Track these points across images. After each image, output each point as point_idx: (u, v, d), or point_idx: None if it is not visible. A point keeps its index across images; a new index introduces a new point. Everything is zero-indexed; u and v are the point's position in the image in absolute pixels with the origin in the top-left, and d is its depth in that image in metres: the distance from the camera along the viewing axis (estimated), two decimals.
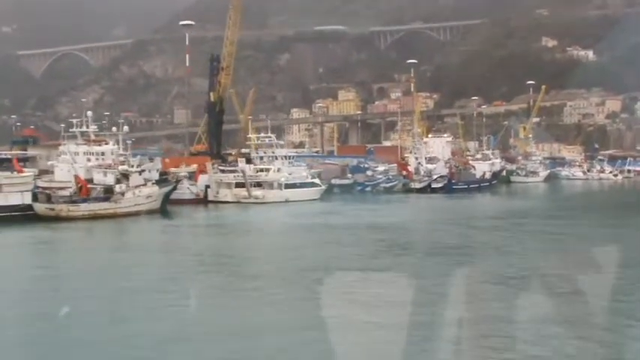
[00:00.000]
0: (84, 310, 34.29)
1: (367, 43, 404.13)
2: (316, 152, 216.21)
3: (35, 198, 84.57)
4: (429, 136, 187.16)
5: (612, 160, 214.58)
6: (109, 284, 42.09)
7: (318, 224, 77.56)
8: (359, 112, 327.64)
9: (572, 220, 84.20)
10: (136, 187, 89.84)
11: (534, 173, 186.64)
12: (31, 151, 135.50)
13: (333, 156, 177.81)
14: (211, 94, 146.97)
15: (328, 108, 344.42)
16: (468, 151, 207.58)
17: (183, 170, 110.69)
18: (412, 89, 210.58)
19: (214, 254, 56.76)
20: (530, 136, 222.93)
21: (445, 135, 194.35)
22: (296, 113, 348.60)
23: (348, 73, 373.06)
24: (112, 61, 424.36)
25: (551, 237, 65.70)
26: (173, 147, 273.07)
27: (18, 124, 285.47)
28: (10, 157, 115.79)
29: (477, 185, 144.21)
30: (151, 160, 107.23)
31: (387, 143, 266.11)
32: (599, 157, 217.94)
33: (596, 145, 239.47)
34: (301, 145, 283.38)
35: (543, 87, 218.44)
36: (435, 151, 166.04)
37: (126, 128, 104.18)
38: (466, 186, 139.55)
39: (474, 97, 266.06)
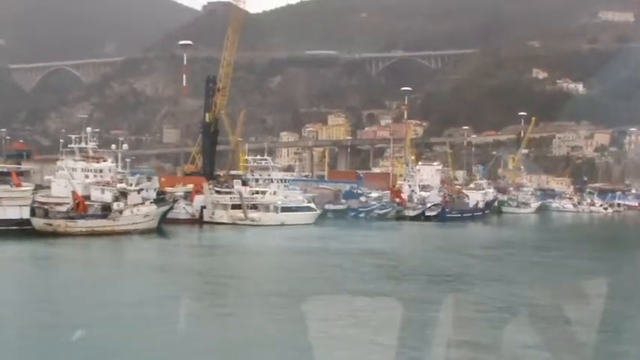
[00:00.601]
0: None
1: (358, 69, 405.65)
2: (306, 176, 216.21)
3: (33, 213, 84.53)
4: (419, 163, 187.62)
5: (602, 193, 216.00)
6: (108, 301, 42.21)
7: (316, 248, 77.91)
8: (348, 137, 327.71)
9: (564, 251, 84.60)
10: (134, 205, 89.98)
11: (526, 204, 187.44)
12: (24, 165, 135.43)
13: (326, 181, 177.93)
14: (207, 114, 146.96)
15: (318, 132, 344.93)
16: (456, 180, 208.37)
17: (179, 190, 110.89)
18: (405, 116, 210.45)
19: (216, 275, 57.02)
20: (522, 167, 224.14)
21: (435, 163, 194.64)
22: (285, 136, 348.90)
23: (338, 97, 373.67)
24: (102, 78, 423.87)
25: (544, 268, 66.27)
26: (162, 166, 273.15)
27: (7, 137, 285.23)
28: (5, 170, 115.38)
29: (470, 214, 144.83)
30: (149, 179, 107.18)
31: (376, 170, 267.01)
32: (589, 190, 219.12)
33: (585, 178, 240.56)
34: (290, 168, 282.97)
35: (533, 119, 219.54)
36: (425, 179, 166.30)
37: (125, 146, 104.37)
38: (460, 215, 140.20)
39: (464, 127, 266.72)
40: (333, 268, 61.26)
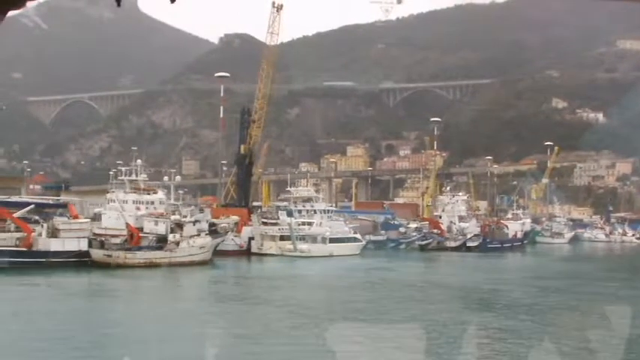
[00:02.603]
0: None
1: (376, 100, 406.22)
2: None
3: (89, 244, 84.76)
4: (445, 193, 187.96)
5: (632, 223, 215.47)
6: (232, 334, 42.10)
7: (380, 280, 77.83)
8: (367, 167, 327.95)
9: (620, 282, 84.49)
10: (190, 237, 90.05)
11: (559, 234, 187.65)
12: (63, 197, 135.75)
13: (360, 212, 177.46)
14: (242, 146, 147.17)
15: (337, 163, 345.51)
16: (479, 209, 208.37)
17: (228, 221, 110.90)
18: (434, 146, 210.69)
19: (303, 307, 56.53)
20: (555, 197, 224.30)
21: (461, 193, 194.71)
22: (304, 167, 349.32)
23: (356, 128, 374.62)
24: (120, 110, 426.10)
25: (613, 298, 66.04)
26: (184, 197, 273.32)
27: (28, 169, 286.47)
28: (48, 202, 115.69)
29: (509, 244, 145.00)
30: (201, 210, 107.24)
31: (398, 200, 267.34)
32: (613, 220, 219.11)
33: (610, 208, 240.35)
34: (309, 199, 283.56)
35: (556, 148, 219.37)
36: (457, 210, 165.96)
37: (178, 178, 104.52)
38: (500, 245, 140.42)
39: (487, 157, 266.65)
40: (411, 302, 60.82)
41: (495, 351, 35.97)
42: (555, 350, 34.76)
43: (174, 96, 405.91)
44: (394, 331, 42.94)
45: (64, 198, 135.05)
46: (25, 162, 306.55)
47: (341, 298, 64.12)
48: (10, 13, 9.24)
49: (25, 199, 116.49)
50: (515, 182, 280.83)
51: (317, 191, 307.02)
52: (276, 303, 58.93)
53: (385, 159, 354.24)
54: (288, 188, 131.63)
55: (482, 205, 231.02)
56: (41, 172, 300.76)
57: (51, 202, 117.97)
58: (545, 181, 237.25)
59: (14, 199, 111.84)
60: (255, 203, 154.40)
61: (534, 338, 39.60)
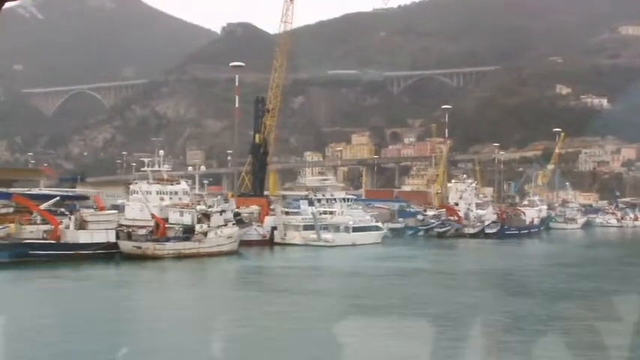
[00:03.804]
0: None
1: (380, 88, 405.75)
2: None
3: (117, 236, 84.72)
4: (453, 181, 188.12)
5: (633, 207, 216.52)
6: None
7: (412, 269, 77.83)
8: (373, 156, 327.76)
9: None
10: (218, 227, 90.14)
11: (573, 220, 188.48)
12: (79, 189, 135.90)
13: (374, 200, 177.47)
14: (256, 135, 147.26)
15: (342, 152, 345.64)
16: (485, 196, 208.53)
17: (250, 211, 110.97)
18: (445, 133, 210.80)
19: (354, 296, 56.45)
20: (568, 183, 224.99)
21: (469, 180, 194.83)
22: (309, 156, 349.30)
23: (360, 117, 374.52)
24: (123, 101, 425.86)
25: None
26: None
27: (32, 161, 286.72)
28: (66, 194, 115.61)
29: (527, 231, 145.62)
30: (226, 200, 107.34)
31: (406, 188, 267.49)
32: (621, 205, 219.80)
33: (617, 193, 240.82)
34: (315, 188, 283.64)
35: (562, 134, 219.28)
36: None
37: (203, 168, 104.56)
38: (517, 232, 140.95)
39: (494, 144, 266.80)
40: (455, 290, 60.70)
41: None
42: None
43: (178, 86, 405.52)
44: (492, 325, 42.08)
45: (79, 190, 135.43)
46: (29, 154, 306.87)
47: (385, 286, 63.74)
48: (7, 4, 9.36)
49: (45, 191, 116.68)
50: (520, 169, 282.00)
51: (323, 180, 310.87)
52: (325, 292, 58.76)
53: (390, 147, 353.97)
54: (305, 176, 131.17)
55: (488, 191, 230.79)
56: (45, 164, 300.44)
57: (71, 194, 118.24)
58: (550, 167, 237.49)
59: (35, 191, 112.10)
60: (265, 193, 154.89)
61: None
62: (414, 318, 43.33)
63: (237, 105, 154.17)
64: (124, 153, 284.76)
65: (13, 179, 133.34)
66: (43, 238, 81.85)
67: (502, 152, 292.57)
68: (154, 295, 60.56)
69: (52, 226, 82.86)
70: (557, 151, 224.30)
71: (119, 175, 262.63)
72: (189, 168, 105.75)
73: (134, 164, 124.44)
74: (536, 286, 63.54)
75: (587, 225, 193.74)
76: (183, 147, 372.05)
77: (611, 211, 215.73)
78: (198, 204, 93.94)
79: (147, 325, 44.02)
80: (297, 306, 51.19)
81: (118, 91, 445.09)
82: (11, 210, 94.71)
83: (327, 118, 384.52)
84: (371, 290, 59.93)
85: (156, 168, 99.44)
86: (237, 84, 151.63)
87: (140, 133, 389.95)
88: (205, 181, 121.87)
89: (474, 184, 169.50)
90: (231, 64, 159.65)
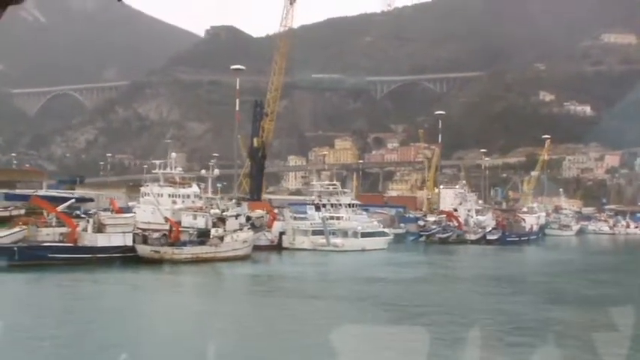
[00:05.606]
0: None
1: (363, 93, 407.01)
2: None
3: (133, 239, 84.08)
4: (441, 187, 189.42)
5: (632, 215, 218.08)
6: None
7: (426, 275, 77.58)
8: (357, 160, 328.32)
9: None
10: (234, 231, 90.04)
11: (567, 227, 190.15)
12: (78, 191, 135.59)
13: (369, 205, 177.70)
14: (255, 139, 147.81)
15: (325, 156, 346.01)
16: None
17: (262, 215, 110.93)
18: (439, 139, 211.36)
19: (382, 302, 55.62)
20: (561, 189, 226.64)
21: (457, 186, 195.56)
22: (293, 160, 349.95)
23: (344, 121, 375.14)
24: (106, 103, 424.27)
25: None
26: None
27: (15, 162, 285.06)
28: (67, 196, 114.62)
29: (526, 238, 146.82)
30: (238, 204, 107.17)
31: (392, 193, 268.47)
32: (608, 212, 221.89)
33: (604, 200, 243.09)
34: (298, 192, 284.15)
35: (548, 140, 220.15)
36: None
37: (216, 171, 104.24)
38: (517, 238, 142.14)
39: (480, 150, 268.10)
40: (490, 297, 60.29)
41: None
42: None
43: (161, 88, 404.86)
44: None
45: (78, 192, 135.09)
46: (12, 154, 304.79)
47: (416, 292, 62.70)
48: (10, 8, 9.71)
49: (51, 193, 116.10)
50: (505, 175, 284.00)
51: (306, 184, 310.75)
52: (350, 298, 58.04)
53: (374, 152, 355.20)
54: (313, 182, 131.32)
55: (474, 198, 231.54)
56: (27, 165, 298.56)
57: (77, 196, 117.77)
58: (535, 173, 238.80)
59: (41, 192, 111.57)
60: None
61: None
62: (472, 326, 42.63)
63: (237, 108, 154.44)
64: (108, 155, 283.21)
65: (16, 180, 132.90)
66: (60, 241, 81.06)
67: (487, 158, 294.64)
68: (178, 299, 60.04)
69: (69, 229, 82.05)
70: (545, 157, 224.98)
71: (102, 177, 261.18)
72: (202, 171, 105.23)
73: (139, 166, 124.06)
74: (564, 293, 63.72)
75: (581, 232, 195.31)
76: (166, 149, 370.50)
77: (603, 218, 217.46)
78: (211, 207, 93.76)
79: (170, 330, 43.72)
80: (347, 313, 50.17)
81: (100, 92, 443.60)
82: (23, 212, 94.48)
83: (310, 122, 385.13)
84: (404, 296, 59.46)
85: (168, 170, 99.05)
86: (237, 87, 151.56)
87: (122, 135, 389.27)
88: (219, 185, 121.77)
89: (464, 190, 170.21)
90: (232, 67, 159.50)
